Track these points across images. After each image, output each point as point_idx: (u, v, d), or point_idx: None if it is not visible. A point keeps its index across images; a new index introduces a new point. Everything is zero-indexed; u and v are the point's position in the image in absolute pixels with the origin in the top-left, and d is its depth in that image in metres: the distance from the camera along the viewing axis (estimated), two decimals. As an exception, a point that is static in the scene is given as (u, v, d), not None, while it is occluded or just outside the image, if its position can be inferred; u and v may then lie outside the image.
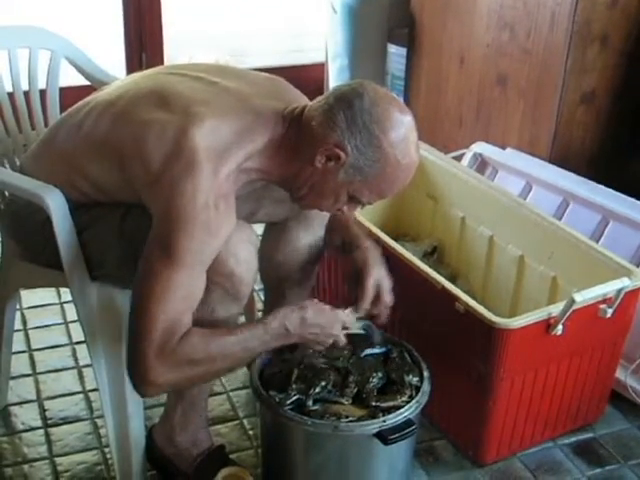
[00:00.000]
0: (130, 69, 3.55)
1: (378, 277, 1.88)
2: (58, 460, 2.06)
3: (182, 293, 1.59)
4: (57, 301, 2.64)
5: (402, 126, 1.61)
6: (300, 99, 1.80)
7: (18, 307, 2.36)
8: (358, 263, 1.89)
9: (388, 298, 1.89)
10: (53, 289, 2.65)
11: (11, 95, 2.17)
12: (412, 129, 1.64)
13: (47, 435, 2.13)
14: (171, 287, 1.58)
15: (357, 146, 1.59)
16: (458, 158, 2.71)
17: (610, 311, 1.96)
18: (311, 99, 1.83)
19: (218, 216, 1.59)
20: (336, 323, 1.78)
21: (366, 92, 1.60)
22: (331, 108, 1.60)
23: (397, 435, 1.73)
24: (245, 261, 1.70)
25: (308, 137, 1.63)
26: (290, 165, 1.67)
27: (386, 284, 1.89)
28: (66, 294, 2.35)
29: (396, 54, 3.37)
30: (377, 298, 1.88)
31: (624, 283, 1.94)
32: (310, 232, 1.99)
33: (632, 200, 2.40)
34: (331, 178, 1.64)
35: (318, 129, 1.61)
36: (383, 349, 1.92)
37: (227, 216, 1.62)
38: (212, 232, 1.59)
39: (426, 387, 1.84)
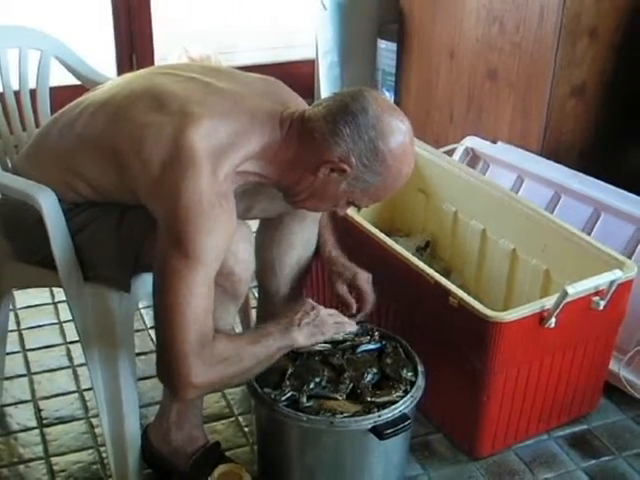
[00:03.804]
0: (121, 68, 3.54)
1: (367, 277, 1.96)
2: (54, 460, 2.06)
3: (205, 291, 1.59)
4: (51, 301, 2.64)
5: (403, 137, 1.64)
6: (294, 100, 1.81)
7: (11, 307, 2.36)
8: (346, 272, 1.97)
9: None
10: (46, 289, 2.65)
11: (1, 95, 2.16)
12: (411, 137, 1.67)
13: (42, 435, 2.13)
14: (196, 286, 1.57)
15: (362, 160, 1.61)
16: (449, 153, 2.71)
17: (603, 303, 1.97)
18: (302, 95, 1.83)
19: (224, 213, 1.59)
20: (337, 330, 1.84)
21: (370, 105, 1.61)
22: (335, 121, 1.61)
23: (392, 430, 1.73)
24: (244, 260, 1.71)
25: (311, 147, 1.64)
26: (290, 172, 1.68)
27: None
28: (60, 294, 2.33)
29: (386, 49, 3.38)
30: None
31: (616, 275, 1.95)
32: (304, 227, 2.00)
33: (623, 192, 2.40)
34: (332, 187, 1.66)
35: (322, 141, 1.62)
36: (378, 345, 1.92)
37: (231, 214, 1.62)
38: (224, 228, 1.59)
39: (421, 382, 1.84)
